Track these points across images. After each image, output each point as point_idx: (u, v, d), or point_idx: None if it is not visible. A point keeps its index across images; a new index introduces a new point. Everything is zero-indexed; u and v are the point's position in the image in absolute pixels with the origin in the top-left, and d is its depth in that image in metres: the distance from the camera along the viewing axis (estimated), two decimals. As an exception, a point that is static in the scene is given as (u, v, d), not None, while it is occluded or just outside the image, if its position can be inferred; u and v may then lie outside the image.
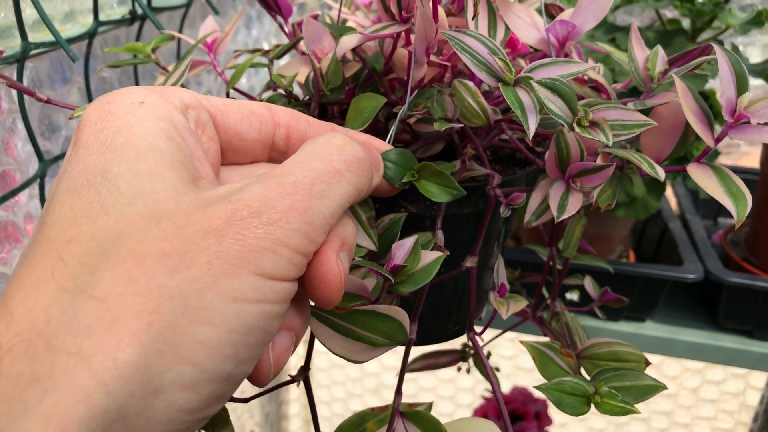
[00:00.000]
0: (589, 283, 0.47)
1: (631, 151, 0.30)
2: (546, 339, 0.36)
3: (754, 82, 0.84)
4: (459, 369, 0.53)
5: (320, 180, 0.21)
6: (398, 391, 0.32)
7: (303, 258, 0.20)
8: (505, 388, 1.01)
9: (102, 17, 0.43)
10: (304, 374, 0.30)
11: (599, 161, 0.30)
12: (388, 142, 0.30)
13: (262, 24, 0.73)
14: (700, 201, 0.84)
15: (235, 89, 0.41)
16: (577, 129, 0.26)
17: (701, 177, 0.29)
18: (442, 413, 1.24)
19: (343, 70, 0.37)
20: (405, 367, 0.32)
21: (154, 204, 0.19)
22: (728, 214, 0.87)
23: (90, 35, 0.40)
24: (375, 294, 0.29)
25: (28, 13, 0.38)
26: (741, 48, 0.88)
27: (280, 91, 0.37)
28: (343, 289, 0.22)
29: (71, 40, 0.39)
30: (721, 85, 0.29)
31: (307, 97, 0.36)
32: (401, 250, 0.28)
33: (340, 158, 0.22)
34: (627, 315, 0.68)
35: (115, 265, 0.17)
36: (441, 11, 0.31)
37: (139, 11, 0.45)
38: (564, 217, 0.29)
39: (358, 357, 0.28)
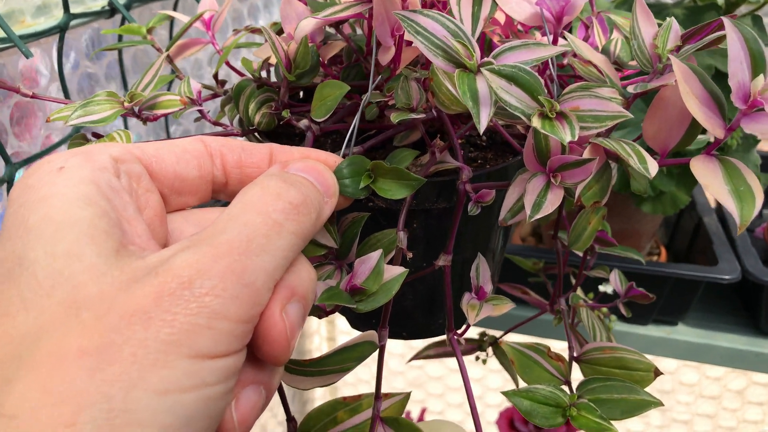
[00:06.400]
0: (615, 278, 0.43)
1: (623, 141, 0.27)
2: (532, 340, 0.33)
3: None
4: (477, 358, 0.50)
5: (258, 234, 0.19)
6: (377, 396, 0.30)
7: (247, 325, 0.18)
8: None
9: (82, 9, 0.42)
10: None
11: (587, 153, 0.27)
12: (348, 139, 0.28)
13: (271, 14, 0.71)
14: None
15: (229, 65, 0.39)
16: (535, 123, 0.22)
17: (704, 173, 0.25)
18: (450, 404, 1.21)
19: (326, 50, 0.35)
20: (380, 375, 0.30)
21: (73, 291, 0.17)
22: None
23: (61, 29, 0.38)
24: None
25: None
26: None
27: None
28: (292, 347, 0.20)
29: (39, 35, 0.37)
30: (731, 67, 0.25)
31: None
32: (365, 265, 0.26)
33: (277, 207, 0.20)
34: (656, 318, 0.63)
35: (29, 373, 0.16)
36: (408, -15, 0.28)
37: (122, 0, 0.43)
38: (539, 216, 0.25)
39: (331, 381, 0.28)
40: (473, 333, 0.49)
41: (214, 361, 0.17)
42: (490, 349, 0.48)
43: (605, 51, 0.34)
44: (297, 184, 0.22)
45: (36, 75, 0.44)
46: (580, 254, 0.40)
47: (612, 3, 0.56)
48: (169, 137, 0.54)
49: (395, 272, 0.26)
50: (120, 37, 0.46)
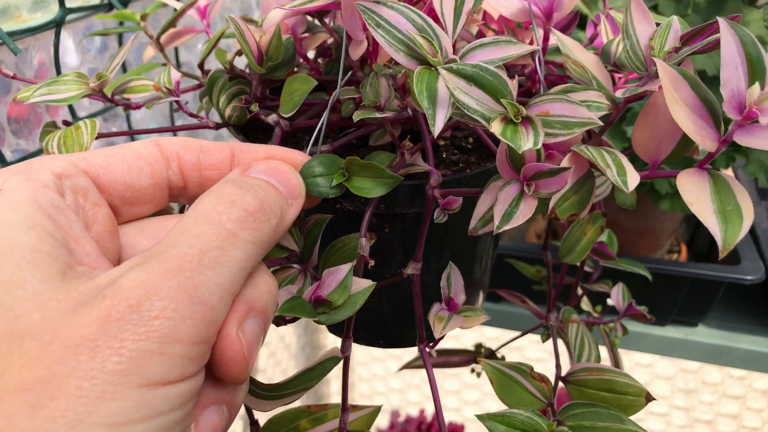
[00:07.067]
0: (617, 293, 0.41)
1: (605, 150, 0.25)
2: (514, 360, 0.31)
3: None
4: (473, 371, 0.49)
5: (211, 246, 0.18)
6: (344, 408, 0.29)
7: (202, 346, 0.17)
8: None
9: (79, 3, 0.41)
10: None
11: (566, 162, 0.25)
12: (316, 137, 0.26)
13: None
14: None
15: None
16: (494, 128, 0.21)
17: (690, 189, 0.23)
18: (447, 408, 1.18)
19: (309, 41, 0.34)
20: (346, 386, 0.30)
21: (15, 320, 0.16)
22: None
23: (57, 24, 0.38)
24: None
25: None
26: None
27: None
28: (250, 366, 0.19)
29: (34, 30, 0.37)
30: (725, 73, 0.22)
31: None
32: (333, 277, 0.25)
33: (232, 216, 0.19)
34: (675, 319, 0.60)
35: None
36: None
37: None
38: (509, 226, 0.24)
39: (292, 400, 0.27)
40: (469, 344, 0.47)
41: (167, 388, 0.16)
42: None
43: (605, 51, 0.32)
44: (254, 188, 0.21)
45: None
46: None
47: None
48: (173, 125, 0.54)
49: (362, 285, 0.25)
50: (120, 25, 0.46)
